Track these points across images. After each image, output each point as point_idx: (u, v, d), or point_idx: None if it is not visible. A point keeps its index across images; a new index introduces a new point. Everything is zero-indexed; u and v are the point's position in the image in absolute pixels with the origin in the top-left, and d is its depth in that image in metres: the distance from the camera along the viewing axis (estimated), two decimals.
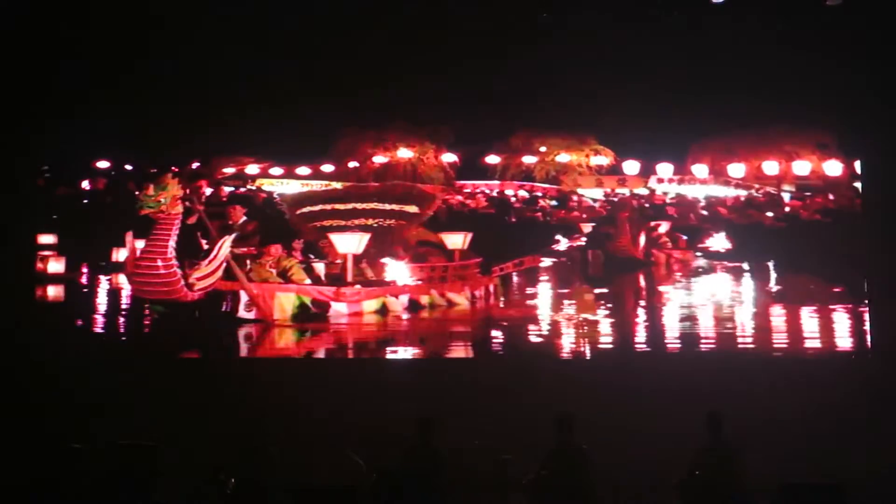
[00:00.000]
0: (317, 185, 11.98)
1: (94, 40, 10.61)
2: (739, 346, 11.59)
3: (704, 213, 12.05)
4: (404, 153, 11.88)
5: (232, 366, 11.16)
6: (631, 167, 11.93)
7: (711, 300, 11.75)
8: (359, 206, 11.75)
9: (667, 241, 11.99)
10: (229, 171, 11.93)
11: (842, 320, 11.63)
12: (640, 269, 11.90)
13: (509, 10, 10.26)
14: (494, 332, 11.67)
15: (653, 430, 9.76)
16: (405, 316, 11.66)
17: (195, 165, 11.80)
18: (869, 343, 11.39)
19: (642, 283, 11.88)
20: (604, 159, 11.90)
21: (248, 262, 11.44)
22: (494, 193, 12.12)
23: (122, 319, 11.33)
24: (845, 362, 11.42)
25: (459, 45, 10.63)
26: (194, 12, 10.16)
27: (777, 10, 10.20)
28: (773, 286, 11.74)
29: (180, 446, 8.47)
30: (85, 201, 11.57)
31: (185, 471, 7.99)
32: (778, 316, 11.66)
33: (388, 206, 11.80)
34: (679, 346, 11.58)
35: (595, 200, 12.14)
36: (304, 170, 11.91)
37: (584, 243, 11.96)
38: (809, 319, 11.64)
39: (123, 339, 11.34)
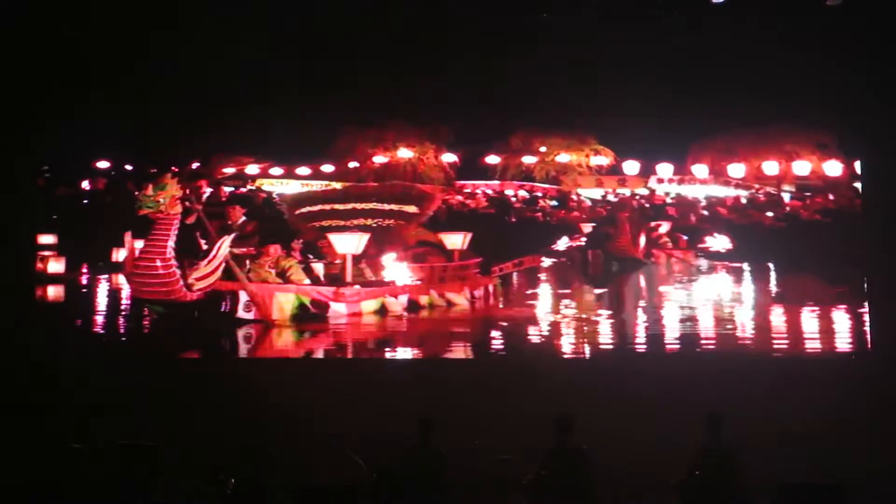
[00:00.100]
0: (317, 185, 11.97)
1: (94, 40, 10.61)
2: (739, 346, 11.59)
3: (704, 213, 12.05)
4: (404, 153, 11.89)
5: (231, 366, 11.16)
6: (631, 167, 11.94)
7: (711, 300, 11.74)
8: (358, 206, 11.75)
9: (667, 241, 11.99)
10: (229, 171, 11.93)
11: (842, 320, 11.63)
12: (640, 269, 11.90)
13: (509, 10, 10.26)
14: (494, 333, 11.67)
15: (653, 431, 9.76)
16: (404, 316, 11.65)
17: (195, 165, 11.80)
18: (869, 343, 11.40)
19: (642, 283, 11.88)
20: (604, 159, 11.90)
21: (247, 262, 11.44)
22: (494, 193, 12.11)
23: (121, 319, 11.32)
24: (845, 362, 11.42)
25: (459, 45, 10.63)
26: (194, 12, 10.15)
27: (777, 10, 10.20)
28: (773, 286, 11.73)
29: (180, 446, 8.46)
30: (85, 201, 11.56)
31: (185, 471, 7.98)
32: (778, 316, 11.65)
33: (387, 207, 11.80)
34: (679, 346, 11.58)
35: (595, 200, 12.13)
36: (304, 170, 11.91)
37: (583, 243, 11.96)
38: (809, 319, 11.64)
39: (123, 339, 11.33)
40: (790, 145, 11.93)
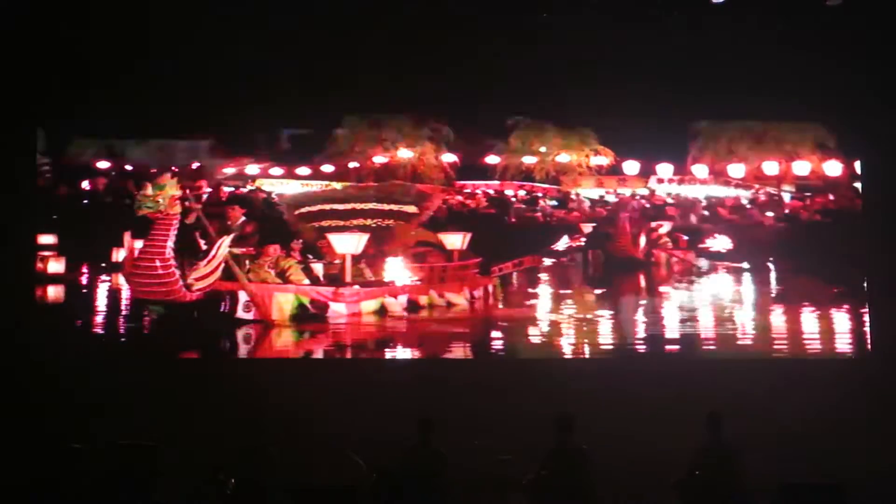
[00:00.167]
0: (316, 186, 11.96)
1: (94, 40, 10.60)
2: (739, 346, 11.59)
3: (705, 213, 12.04)
4: (404, 153, 11.87)
5: (231, 366, 11.17)
6: (631, 167, 11.91)
7: (711, 300, 11.74)
8: (357, 206, 11.75)
9: (667, 242, 11.98)
10: (229, 171, 11.92)
11: (842, 321, 11.62)
12: (640, 269, 11.89)
13: (509, 10, 10.25)
14: (494, 333, 11.66)
15: (653, 430, 9.77)
16: (404, 316, 11.64)
17: (195, 165, 11.79)
18: (869, 343, 11.41)
19: (642, 283, 11.87)
20: (604, 159, 11.88)
21: (246, 262, 11.44)
22: (494, 193, 12.10)
23: (121, 320, 11.31)
24: (845, 363, 11.43)
25: (459, 45, 10.62)
26: (194, 12, 10.14)
27: (777, 10, 10.20)
28: (774, 286, 11.72)
29: (180, 446, 8.47)
30: (85, 201, 11.55)
31: (185, 471, 7.98)
32: (778, 316, 11.65)
33: (386, 207, 11.80)
34: (679, 346, 11.58)
35: (595, 200, 12.12)
36: (304, 170, 11.89)
37: (583, 243, 11.95)
38: (809, 320, 11.63)
39: (123, 339, 11.32)
40: (790, 145, 11.91)
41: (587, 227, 11.97)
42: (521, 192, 11.98)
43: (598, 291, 11.80)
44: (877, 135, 11.41)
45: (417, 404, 9.35)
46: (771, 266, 11.76)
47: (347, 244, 11.56)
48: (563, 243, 11.89)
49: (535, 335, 11.61)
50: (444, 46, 10.65)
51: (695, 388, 10.12)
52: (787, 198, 11.90)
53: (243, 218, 11.63)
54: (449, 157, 11.84)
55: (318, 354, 11.61)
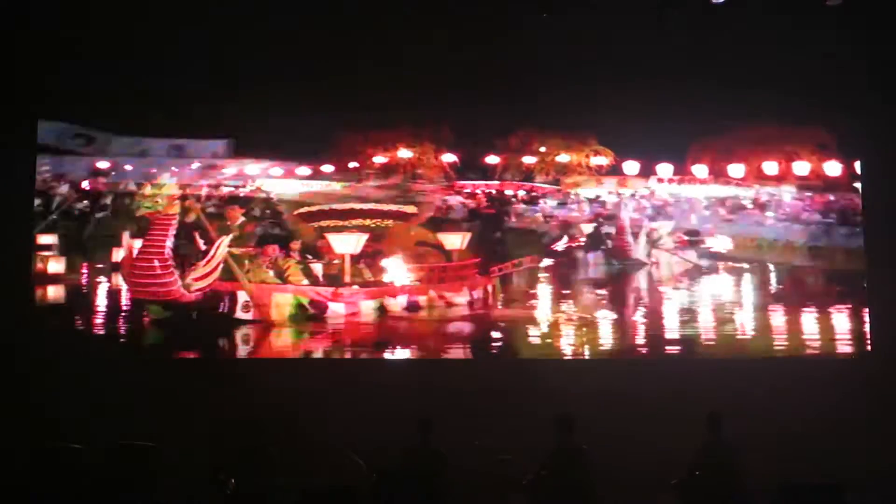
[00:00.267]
0: (316, 186, 11.96)
1: (95, 40, 10.60)
2: (739, 346, 11.58)
3: (705, 213, 12.03)
4: (404, 153, 11.86)
5: (231, 366, 11.16)
6: (631, 167, 11.91)
7: (711, 300, 11.73)
8: (357, 206, 11.75)
9: (667, 242, 11.98)
10: (229, 171, 11.91)
11: (842, 321, 11.62)
12: (640, 269, 11.89)
13: (509, 10, 10.24)
14: (494, 333, 11.65)
15: (653, 431, 9.77)
16: (404, 316, 11.63)
17: (194, 165, 11.78)
18: (869, 343, 11.41)
19: (642, 283, 11.87)
20: (604, 159, 11.87)
21: (245, 262, 11.43)
22: (494, 193, 12.09)
23: (121, 320, 11.30)
24: (845, 363, 11.44)
25: (459, 45, 10.62)
26: (194, 12, 10.13)
27: (777, 10, 10.19)
28: (773, 287, 11.72)
29: (180, 446, 8.46)
30: (85, 202, 11.55)
31: (185, 471, 7.98)
32: (778, 316, 11.64)
33: (386, 207, 11.80)
34: (679, 346, 11.58)
35: (594, 201, 12.11)
36: (304, 170, 11.89)
37: (583, 243, 11.94)
38: (809, 320, 11.62)
39: (123, 339, 11.32)
40: (790, 145, 11.90)
41: (587, 228, 11.96)
42: (521, 192, 11.97)
43: (598, 292, 11.78)
44: (877, 135, 11.42)
45: (417, 404, 9.36)
46: (771, 266, 11.74)
47: (346, 244, 11.56)
48: (563, 243, 11.88)
49: (535, 335, 11.60)
50: (444, 46, 10.64)
51: (695, 388, 10.13)
52: (787, 198, 11.88)
53: (242, 218, 11.63)
54: (449, 157, 11.83)
55: (318, 354, 11.60)
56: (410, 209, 11.85)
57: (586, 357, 11.61)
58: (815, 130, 11.85)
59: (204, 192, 11.64)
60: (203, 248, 11.39)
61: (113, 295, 11.32)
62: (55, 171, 11.49)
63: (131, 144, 11.63)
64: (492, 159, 11.89)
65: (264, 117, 11.20)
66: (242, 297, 11.34)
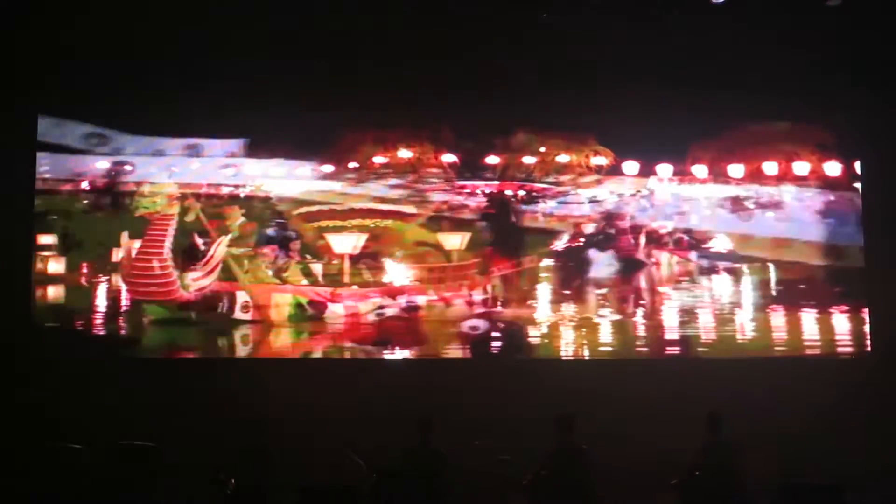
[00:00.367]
0: (316, 186, 11.94)
1: (95, 40, 10.59)
2: (739, 346, 11.58)
3: (705, 213, 12.02)
4: (404, 153, 11.86)
5: (230, 366, 11.17)
6: (631, 167, 11.90)
7: (711, 301, 11.73)
8: (356, 206, 11.75)
9: (667, 242, 11.97)
10: (228, 170, 11.90)
11: (841, 321, 11.62)
12: (640, 269, 11.88)
13: (509, 10, 10.24)
14: (493, 333, 11.65)
15: (653, 431, 9.79)
16: (403, 316, 11.63)
17: (194, 165, 11.77)
18: (868, 343, 11.41)
19: (642, 283, 11.86)
20: (604, 159, 11.87)
21: (244, 262, 11.44)
22: (494, 193, 12.08)
23: (121, 320, 11.30)
24: (845, 363, 11.44)
25: (459, 45, 10.62)
26: (194, 12, 10.13)
27: (777, 10, 10.19)
28: (773, 287, 11.72)
29: (180, 446, 8.46)
30: (85, 202, 11.54)
31: (185, 471, 7.98)
32: (778, 316, 11.64)
33: (385, 207, 11.80)
34: (679, 346, 11.58)
35: (594, 201, 12.10)
36: (304, 170, 11.88)
37: (583, 243, 11.94)
38: (809, 320, 11.62)
39: (123, 339, 11.31)
40: (790, 145, 11.90)
41: (587, 228, 11.95)
42: (521, 192, 11.96)
43: (597, 292, 11.78)
44: (877, 135, 11.43)
45: (417, 404, 9.37)
46: (770, 266, 11.74)
47: (346, 244, 11.56)
48: (563, 243, 11.87)
49: (535, 335, 11.60)
50: (444, 46, 10.64)
51: (695, 388, 10.14)
52: (787, 198, 11.87)
53: (242, 218, 11.62)
54: (449, 157, 11.82)
55: (317, 354, 11.60)
56: (410, 209, 11.84)
57: (586, 357, 11.61)
58: (815, 130, 11.85)
59: (203, 191, 11.63)
60: (202, 248, 11.38)
61: (113, 295, 11.31)
62: (56, 171, 11.46)
63: (146, 144, 11.60)
64: (492, 159, 11.88)
65: (264, 117, 11.22)
66: (242, 297, 11.35)
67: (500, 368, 11.25)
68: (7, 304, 10.76)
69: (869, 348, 11.42)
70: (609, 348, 11.65)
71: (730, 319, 11.64)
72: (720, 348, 11.54)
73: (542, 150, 11.95)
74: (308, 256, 11.68)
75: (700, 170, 11.88)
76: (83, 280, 11.29)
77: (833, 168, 11.80)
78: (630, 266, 11.87)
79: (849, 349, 11.54)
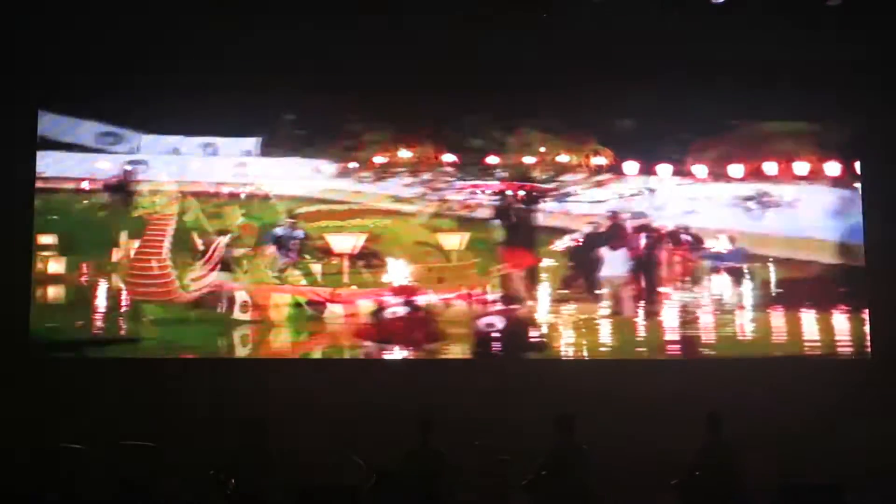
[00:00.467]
0: (316, 186, 11.94)
1: (94, 39, 10.59)
2: (739, 346, 11.58)
3: (705, 212, 12.01)
4: (404, 153, 11.86)
5: (230, 366, 11.16)
6: (631, 167, 11.90)
7: (712, 301, 11.73)
8: (356, 206, 11.75)
9: (668, 242, 11.96)
10: (228, 170, 11.89)
11: (841, 321, 11.62)
12: (641, 269, 11.87)
13: (509, 10, 10.24)
14: (493, 333, 11.64)
15: (653, 431, 9.79)
16: (403, 316, 11.62)
17: (194, 165, 11.77)
18: (868, 344, 11.41)
19: (642, 283, 11.85)
20: (604, 159, 11.86)
21: (244, 262, 11.44)
22: (494, 193, 12.08)
23: (121, 320, 11.29)
24: (845, 363, 11.44)
25: (459, 45, 10.62)
26: (194, 12, 10.13)
27: (777, 10, 10.19)
28: (774, 287, 11.72)
29: (180, 446, 8.48)
30: (85, 202, 11.53)
31: (185, 471, 7.99)
32: (778, 317, 11.64)
33: (385, 206, 11.79)
34: (679, 346, 11.58)
35: (594, 201, 12.09)
36: (303, 170, 11.87)
37: (583, 243, 11.93)
38: (809, 320, 11.62)
39: (123, 339, 11.30)
40: (790, 145, 11.91)
41: (587, 228, 11.95)
42: (521, 192, 11.95)
43: (597, 292, 11.77)
44: (877, 135, 11.43)
45: (417, 404, 9.36)
46: (771, 266, 11.74)
47: (345, 244, 11.56)
48: (562, 243, 11.86)
49: (535, 335, 11.59)
50: (444, 46, 10.64)
51: (695, 388, 10.14)
52: (786, 197, 11.87)
53: (242, 218, 11.62)
54: (449, 157, 11.82)
55: (317, 354, 11.59)
56: (410, 209, 11.84)
57: (586, 357, 11.61)
58: (815, 130, 11.85)
59: (203, 191, 11.62)
60: (201, 247, 11.38)
61: (113, 295, 11.30)
62: (55, 168, 11.45)
63: (162, 143, 11.59)
64: (492, 159, 11.88)
65: (264, 117, 11.23)
66: (241, 297, 11.34)
67: (500, 368, 11.24)
68: (7, 304, 10.76)
69: (869, 349, 11.42)
70: (609, 348, 11.63)
71: (730, 319, 11.63)
72: (720, 348, 11.53)
73: (542, 150, 11.94)
74: (307, 256, 11.67)
75: (700, 170, 11.88)
76: (83, 280, 11.29)
77: (833, 168, 11.80)
78: (630, 266, 11.85)
79: (849, 349, 11.54)
